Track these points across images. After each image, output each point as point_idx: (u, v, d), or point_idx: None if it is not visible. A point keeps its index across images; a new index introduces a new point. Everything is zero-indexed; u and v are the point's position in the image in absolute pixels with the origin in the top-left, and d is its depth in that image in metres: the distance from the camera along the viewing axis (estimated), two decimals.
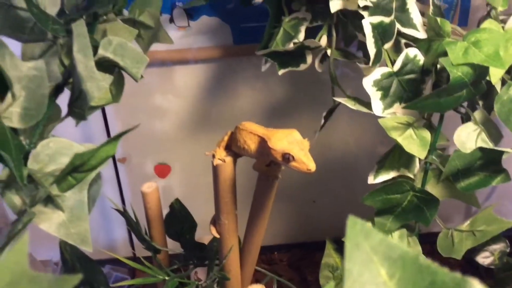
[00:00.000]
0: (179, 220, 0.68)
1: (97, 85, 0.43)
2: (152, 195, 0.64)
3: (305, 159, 0.48)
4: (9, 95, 0.40)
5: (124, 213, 0.63)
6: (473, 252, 0.83)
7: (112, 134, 0.95)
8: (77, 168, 0.37)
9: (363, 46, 0.73)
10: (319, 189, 1.05)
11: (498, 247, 0.79)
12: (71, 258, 0.53)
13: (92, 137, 0.94)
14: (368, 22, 0.56)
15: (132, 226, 0.62)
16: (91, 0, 0.58)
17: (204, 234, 0.76)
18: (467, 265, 0.95)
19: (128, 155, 0.99)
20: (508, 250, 0.80)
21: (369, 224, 0.21)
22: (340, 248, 0.73)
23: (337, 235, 0.95)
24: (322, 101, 0.94)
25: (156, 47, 0.87)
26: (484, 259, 0.81)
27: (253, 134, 0.52)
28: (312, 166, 0.48)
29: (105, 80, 0.44)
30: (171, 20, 0.86)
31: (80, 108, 0.44)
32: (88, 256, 0.53)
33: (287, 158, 0.48)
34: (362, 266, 0.19)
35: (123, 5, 0.62)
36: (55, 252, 0.73)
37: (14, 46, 0.50)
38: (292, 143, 0.49)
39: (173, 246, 0.73)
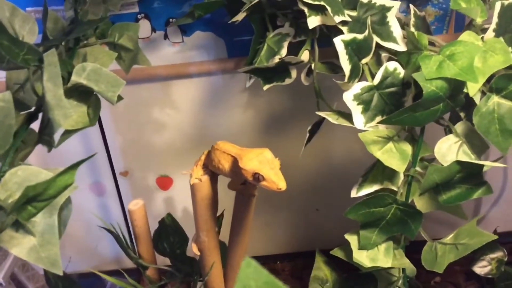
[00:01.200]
0: (169, 235, 0.69)
1: (64, 113, 0.45)
2: (138, 213, 0.65)
3: (275, 179, 0.48)
4: None
5: (110, 231, 0.64)
6: (471, 261, 0.82)
7: (111, 147, 0.97)
8: (35, 198, 0.39)
9: None
10: (322, 197, 1.05)
11: (495, 256, 0.78)
12: (54, 278, 0.54)
13: (92, 151, 0.96)
14: (339, 40, 0.56)
15: (120, 243, 0.64)
16: (75, 25, 0.59)
17: None
18: (472, 273, 0.94)
19: (130, 168, 1.01)
20: (505, 259, 0.79)
21: (260, 268, 0.22)
22: (329, 261, 0.73)
23: (340, 244, 0.95)
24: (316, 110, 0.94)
25: (153, 62, 0.89)
26: (482, 268, 0.80)
27: (226, 154, 0.53)
28: (282, 185, 0.48)
29: (73, 108, 0.46)
30: (166, 36, 0.88)
31: (48, 135, 0.45)
32: (70, 277, 0.55)
33: (257, 177, 0.49)
34: None
35: (106, 28, 0.64)
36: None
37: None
38: (262, 163, 0.49)
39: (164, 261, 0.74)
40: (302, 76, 0.72)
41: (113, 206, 1.03)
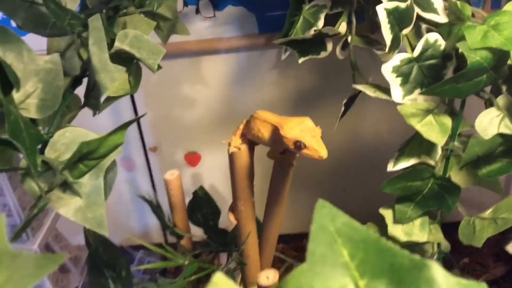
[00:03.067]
0: (202, 206, 0.70)
1: (110, 77, 0.45)
2: (174, 182, 0.66)
3: (316, 146, 0.48)
4: (26, 87, 0.43)
5: (147, 200, 0.65)
6: (502, 241, 0.81)
7: (143, 124, 0.98)
8: (87, 156, 0.39)
9: None
10: (349, 177, 1.04)
11: None
12: (95, 242, 0.55)
13: None
14: (382, 8, 0.55)
15: (156, 212, 0.64)
16: None
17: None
18: (500, 254, 0.93)
19: (159, 144, 1.01)
20: None
21: (335, 209, 0.21)
22: None
23: (366, 223, 0.95)
24: (347, 89, 0.94)
25: (184, 38, 0.89)
26: None
27: (266, 123, 0.53)
28: (323, 153, 0.48)
29: (118, 71, 0.46)
30: (197, 11, 0.88)
31: (95, 99, 0.46)
32: (110, 240, 0.56)
33: (298, 145, 0.48)
34: (325, 247, 0.20)
35: None
36: None
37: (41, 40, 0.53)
38: (304, 131, 0.49)
39: (198, 233, 0.75)
40: (337, 49, 0.71)
41: (142, 181, 1.04)
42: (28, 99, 0.42)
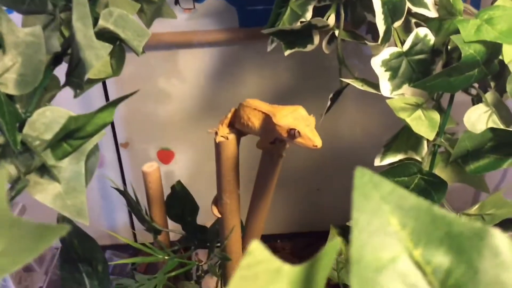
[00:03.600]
0: (180, 202, 0.67)
1: (96, 54, 0.42)
2: (153, 175, 0.63)
3: (311, 135, 0.46)
4: (4, 60, 0.39)
5: (124, 193, 0.62)
6: None
7: (114, 118, 0.94)
8: (72, 135, 0.36)
9: (372, 29, 0.71)
10: (323, 177, 1.03)
11: (508, 234, 0.78)
12: (69, 235, 0.52)
13: None
14: None
15: (132, 206, 0.61)
16: None
17: (208, 220, 0.74)
18: None
19: (131, 140, 0.98)
20: None
21: (378, 176, 0.19)
22: (344, 232, 0.72)
23: (341, 223, 0.94)
24: (328, 87, 0.93)
25: (161, 29, 0.86)
26: None
27: (257, 111, 0.51)
28: (318, 142, 0.46)
29: (104, 48, 0.43)
30: (176, 2, 0.85)
31: (78, 77, 0.42)
32: (86, 233, 0.52)
33: (292, 134, 0.47)
34: (371, 215, 0.18)
35: None
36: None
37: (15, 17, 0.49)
38: (297, 119, 0.47)
39: (174, 229, 0.71)
40: (324, 43, 0.70)
41: (112, 178, 1.00)
42: (6, 73, 0.39)
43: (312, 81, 0.92)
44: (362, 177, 0.19)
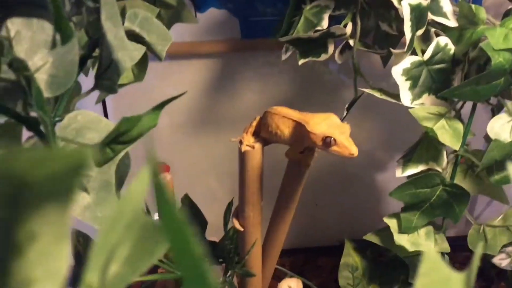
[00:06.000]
0: (189, 217, 0.64)
1: (129, 55, 0.39)
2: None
3: (347, 143, 0.45)
4: (34, 60, 0.36)
5: None
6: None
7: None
8: (117, 138, 0.33)
9: (379, 39, 0.70)
10: (321, 192, 1.02)
11: None
12: (85, 251, 0.48)
13: None
14: (407, 3, 0.53)
15: None
16: None
17: (208, 235, 0.71)
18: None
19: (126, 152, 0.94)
20: None
21: None
22: (359, 247, 0.70)
23: (340, 238, 0.92)
24: (328, 96, 0.92)
25: None
26: (501, 260, 0.78)
27: (287, 119, 0.49)
28: (355, 150, 0.45)
29: (137, 50, 0.40)
30: None
31: (110, 79, 0.40)
32: None
33: (328, 142, 0.45)
34: None
35: None
36: None
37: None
38: (332, 127, 0.45)
39: None
40: (336, 53, 0.69)
41: None
42: (36, 73, 0.36)
43: (314, 91, 0.91)
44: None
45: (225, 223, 0.65)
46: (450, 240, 0.69)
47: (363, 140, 0.96)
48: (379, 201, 1.01)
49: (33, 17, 0.36)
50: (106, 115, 0.88)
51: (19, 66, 0.31)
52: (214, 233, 0.75)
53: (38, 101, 0.29)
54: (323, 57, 0.67)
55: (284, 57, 0.66)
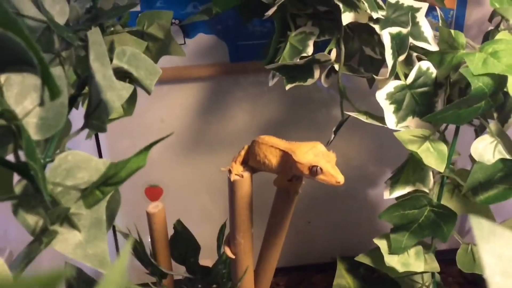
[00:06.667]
0: (183, 242, 0.65)
1: (118, 95, 0.41)
2: (158, 215, 0.60)
3: (333, 172, 0.46)
4: (24, 104, 0.37)
5: (126, 235, 0.59)
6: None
7: (103, 152, 0.91)
8: (106, 181, 0.34)
9: (364, 62, 0.72)
10: (314, 210, 1.03)
11: None
12: (78, 283, 0.49)
13: None
14: (387, 32, 0.55)
15: (137, 249, 0.59)
16: (97, 12, 0.55)
17: (201, 258, 0.72)
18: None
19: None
20: None
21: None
22: (351, 266, 0.71)
23: (333, 256, 0.93)
24: (318, 118, 0.93)
25: None
26: None
27: (274, 148, 0.50)
28: (341, 178, 0.46)
29: (125, 89, 0.41)
30: None
31: (98, 119, 0.41)
32: (96, 280, 0.49)
33: (314, 171, 0.46)
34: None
35: (126, 18, 0.60)
36: None
37: None
38: (318, 156, 0.47)
39: (176, 270, 0.69)
40: (322, 77, 0.70)
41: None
42: (26, 117, 0.37)
43: (304, 113, 0.92)
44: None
45: (218, 246, 0.66)
46: (443, 253, 0.70)
47: (354, 156, 0.97)
48: (372, 217, 1.02)
49: (23, 72, 0.37)
50: (97, 139, 0.89)
51: (9, 116, 0.32)
52: (209, 255, 0.76)
53: (28, 150, 0.30)
54: (310, 81, 0.68)
55: (271, 83, 0.68)
